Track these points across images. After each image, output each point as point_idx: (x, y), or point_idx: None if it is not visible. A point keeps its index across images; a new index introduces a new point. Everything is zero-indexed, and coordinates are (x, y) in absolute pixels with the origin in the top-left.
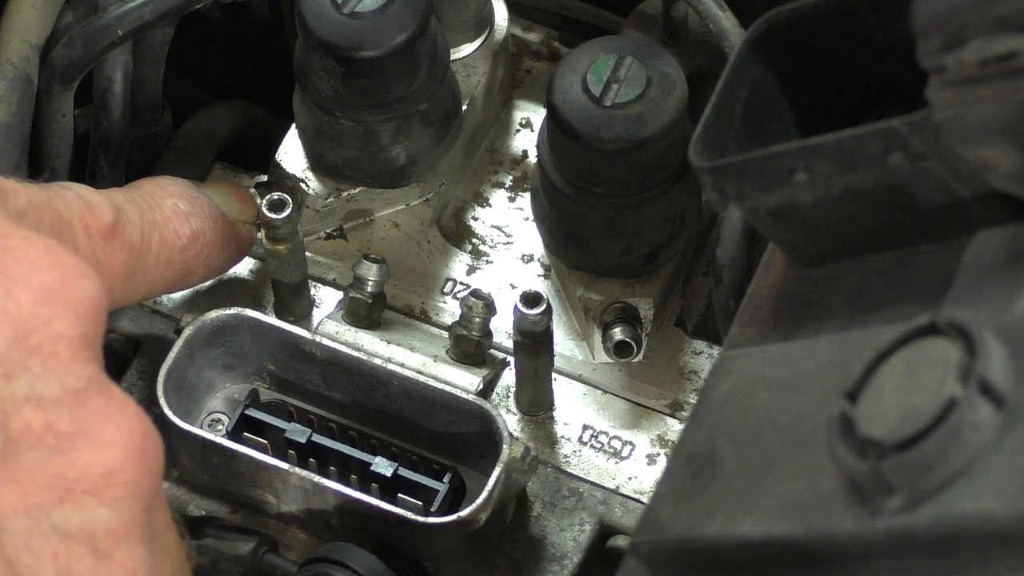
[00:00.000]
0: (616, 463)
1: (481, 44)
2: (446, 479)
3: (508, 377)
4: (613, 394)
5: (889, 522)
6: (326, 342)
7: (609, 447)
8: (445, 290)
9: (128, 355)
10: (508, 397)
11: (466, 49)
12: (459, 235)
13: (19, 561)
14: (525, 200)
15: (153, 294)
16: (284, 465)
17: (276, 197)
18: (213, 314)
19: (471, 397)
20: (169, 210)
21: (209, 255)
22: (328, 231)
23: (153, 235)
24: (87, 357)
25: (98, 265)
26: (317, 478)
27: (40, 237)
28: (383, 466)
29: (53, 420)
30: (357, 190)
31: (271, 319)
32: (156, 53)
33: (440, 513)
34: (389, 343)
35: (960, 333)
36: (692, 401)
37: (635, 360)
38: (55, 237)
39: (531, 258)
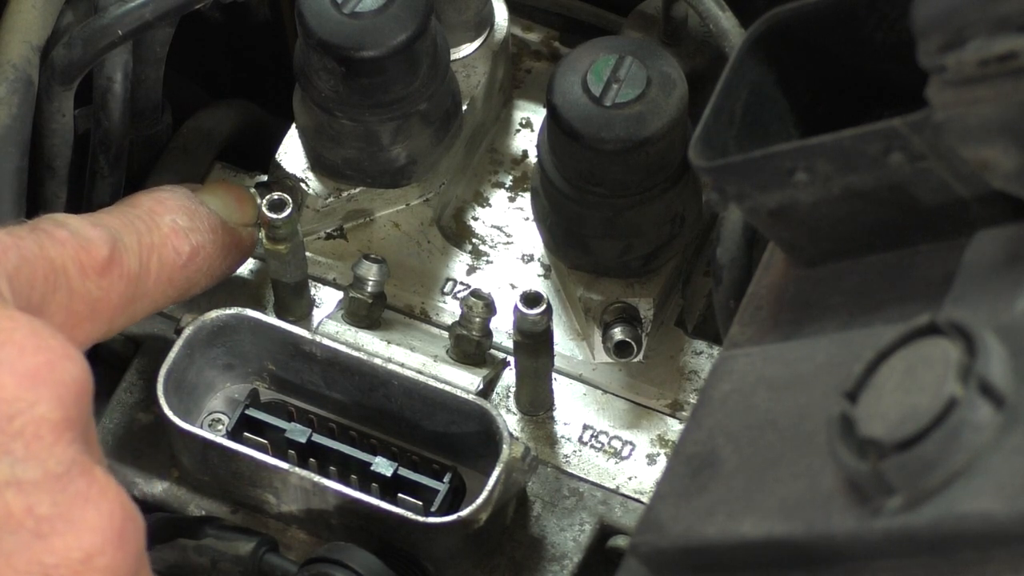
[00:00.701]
0: (616, 463)
1: (481, 44)
2: (446, 479)
3: (508, 377)
4: (613, 394)
5: (889, 522)
6: (326, 342)
7: (609, 447)
8: (445, 290)
9: (128, 355)
10: (508, 397)
11: (466, 49)
12: (459, 235)
13: None
14: (525, 200)
15: (156, 311)
16: (284, 465)
17: (276, 197)
18: (213, 314)
19: (471, 397)
20: (168, 228)
21: (211, 267)
22: (328, 231)
23: (152, 258)
24: (69, 439)
25: (94, 302)
26: (317, 478)
27: (26, 318)
28: (383, 466)
29: (34, 504)
30: (357, 190)
31: (271, 319)
32: (156, 53)
33: (440, 513)
34: (389, 343)
35: (960, 333)
36: (692, 401)
37: (635, 360)
38: (49, 289)
39: (531, 258)
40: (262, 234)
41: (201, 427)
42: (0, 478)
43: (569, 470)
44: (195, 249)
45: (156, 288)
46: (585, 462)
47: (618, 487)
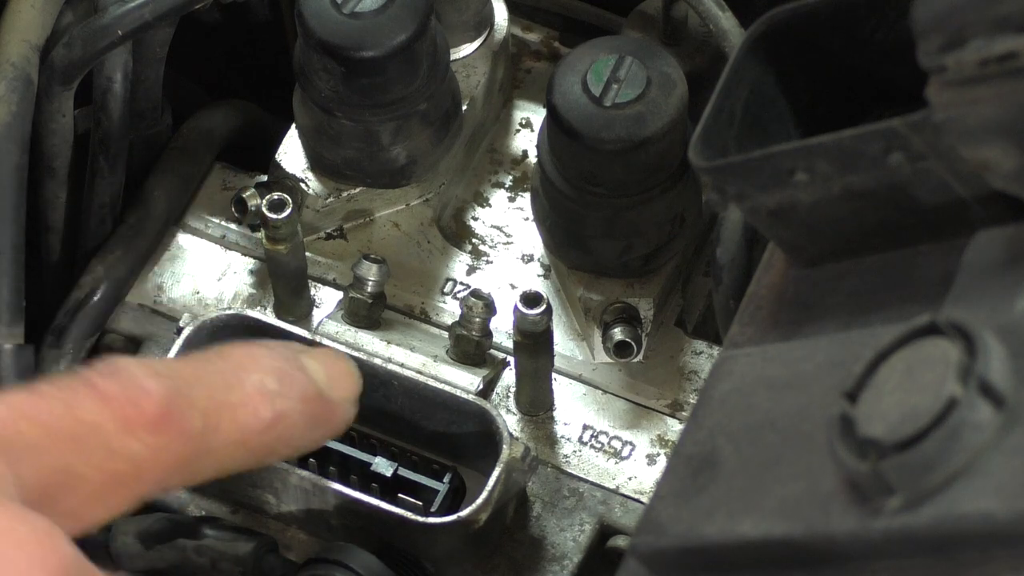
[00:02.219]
0: (616, 463)
1: (481, 44)
2: (446, 479)
3: (508, 377)
4: (613, 394)
5: (889, 522)
6: (326, 342)
7: (609, 447)
8: (445, 290)
9: (128, 355)
10: (508, 397)
11: (466, 49)
12: (459, 235)
13: None
14: (525, 200)
15: (224, 473)
16: (284, 465)
17: (276, 197)
18: (213, 314)
19: (471, 397)
20: (252, 388)
21: (293, 437)
22: (328, 231)
23: (222, 417)
24: None
25: (140, 461)
26: (317, 478)
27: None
28: (383, 466)
29: None
30: (357, 190)
31: (271, 319)
32: (156, 53)
33: (440, 513)
34: (389, 343)
35: (960, 333)
36: (692, 401)
37: (635, 360)
38: (76, 450)
39: (531, 258)
40: (262, 234)
41: None
42: None
43: (569, 470)
44: (277, 416)
45: (225, 449)
46: (585, 462)
47: (618, 487)
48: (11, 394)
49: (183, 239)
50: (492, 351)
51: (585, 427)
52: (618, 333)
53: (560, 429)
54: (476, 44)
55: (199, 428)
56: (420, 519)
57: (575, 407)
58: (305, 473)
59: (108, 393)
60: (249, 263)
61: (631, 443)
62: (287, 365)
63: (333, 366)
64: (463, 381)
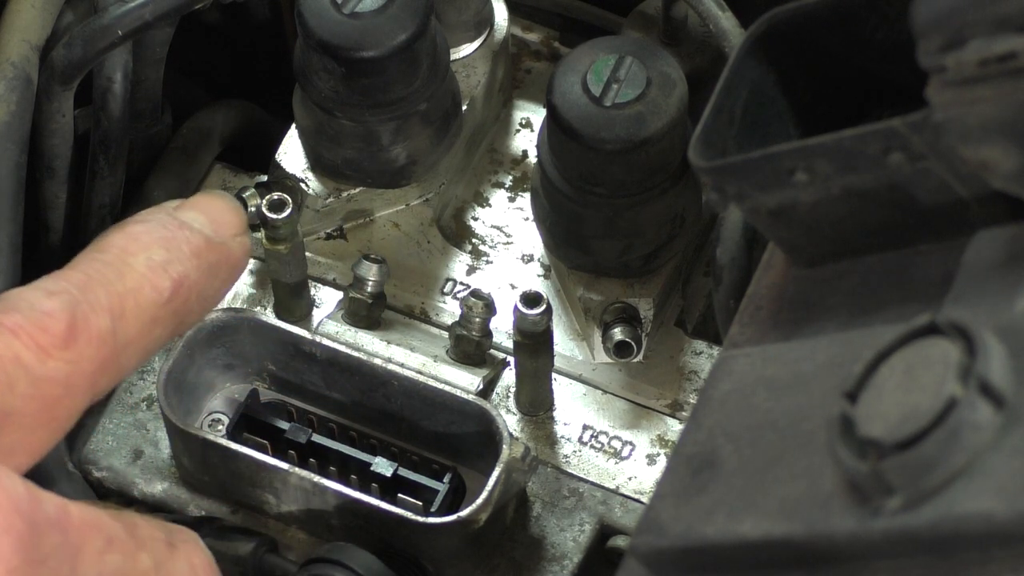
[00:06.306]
0: (616, 463)
1: (481, 44)
2: (446, 479)
3: (508, 377)
4: (613, 394)
5: (889, 522)
6: (326, 342)
7: (609, 447)
8: (445, 290)
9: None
10: (508, 397)
11: (466, 49)
12: (459, 235)
13: None
14: (525, 200)
15: (151, 354)
16: (284, 465)
17: (276, 197)
18: (213, 314)
19: (471, 397)
20: (143, 267)
21: (201, 293)
22: (328, 231)
23: (126, 305)
24: None
25: (66, 377)
26: (317, 478)
27: None
28: (383, 466)
29: None
30: (357, 190)
31: (271, 319)
32: (156, 53)
33: (440, 513)
34: (389, 343)
35: (960, 333)
36: (692, 401)
37: (635, 360)
38: (5, 388)
39: (531, 258)
40: (262, 234)
41: (201, 427)
42: None
43: (569, 470)
44: (177, 282)
45: (140, 333)
46: (585, 462)
47: (618, 487)
48: None
49: None
50: (492, 351)
51: (585, 427)
52: (618, 333)
53: (560, 429)
54: (476, 44)
55: (109, 326)
56: (420, 519)
57: (575, 407)
58: (305, 473)
59: (14, 326)
60: (249, 263)
61: (631, 443)
62: (167, 230)
63: (212, 208)
64: (463, 381)
